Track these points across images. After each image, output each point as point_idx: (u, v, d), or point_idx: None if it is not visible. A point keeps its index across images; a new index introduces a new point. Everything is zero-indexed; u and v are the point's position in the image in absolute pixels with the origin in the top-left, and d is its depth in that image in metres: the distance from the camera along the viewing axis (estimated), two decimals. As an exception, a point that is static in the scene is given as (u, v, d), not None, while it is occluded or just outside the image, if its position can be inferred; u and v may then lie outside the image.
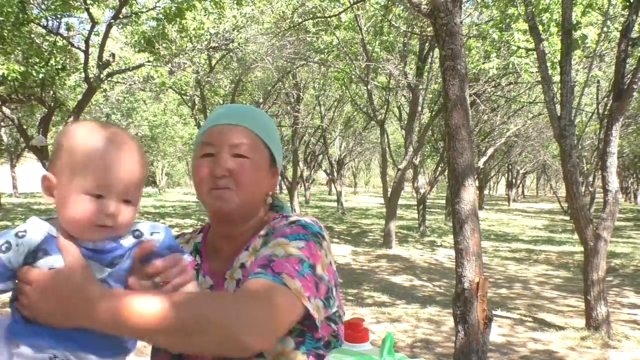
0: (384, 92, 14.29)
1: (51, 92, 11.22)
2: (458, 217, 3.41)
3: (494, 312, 3.82)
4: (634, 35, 5.52)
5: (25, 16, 8.97)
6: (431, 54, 12.42)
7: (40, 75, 9.60)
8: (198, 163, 1.02)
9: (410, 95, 12.66)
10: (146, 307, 0.78)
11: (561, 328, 5.66)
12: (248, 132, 1.02)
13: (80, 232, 0.85)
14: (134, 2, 10.44)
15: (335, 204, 24.66)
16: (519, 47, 9.84)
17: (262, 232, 1.05)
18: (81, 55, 11.05)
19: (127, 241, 0.89)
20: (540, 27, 7.04)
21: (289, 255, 0.92)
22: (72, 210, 0.84)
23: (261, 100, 17.24)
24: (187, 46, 10.51)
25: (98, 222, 0.84)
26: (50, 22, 10.59)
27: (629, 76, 5.45)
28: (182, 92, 14.36)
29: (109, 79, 11.69)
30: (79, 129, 0.87)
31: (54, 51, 10.08)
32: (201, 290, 0.95)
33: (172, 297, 0.82)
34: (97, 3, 9.89)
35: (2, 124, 20.20)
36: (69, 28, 11.42)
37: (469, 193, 3.39)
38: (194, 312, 0.79)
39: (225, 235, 1.07)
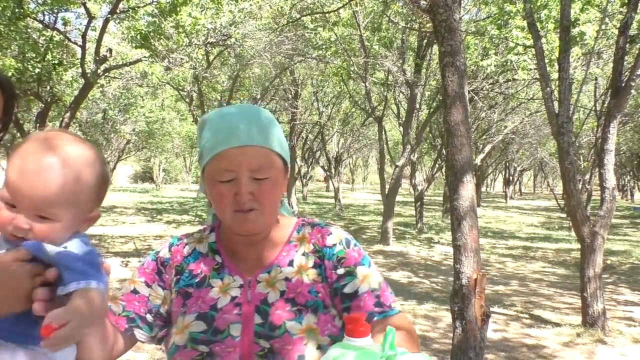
0: (382, 89, 14.27)
1: (48, 87, 11.16)
2: (456, 213, 3.41)
3: (490, 309, 3.83)
4: (632, 32, 5.52)
5: (22, 11, 8.89)
6: (429, 50, 12.40)
7: (37, 71, 9.54)
8: (218, 188, 1.03)
9: (409, 92, 12.65)
10: None
11: (557, 325, 5.69)
12: (262, 150, 1.03)
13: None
14: (131, -4, 10.38)
15: (332, 201, 24.67)
16: (517, 44, 9.83)
17: (304, 249, 1.10)
18: (78, 50, 10.99)
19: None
20: (538, 24, 7.04)
21: (380, 284, 1.09)
22: None
23: (259, 96, 17.20)
24: (183, 42, 10.45)
25: (9, 231, 0.84)
26: (46, 17, 10.51)
27: (626, 73, 5.46)
28: (180, 87, 14.31)
29: (106, 74, 11.63)
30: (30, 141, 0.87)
31: (51, 46, 10.01)
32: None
33: None
34: (94, -3, 9.87)
35: (-2, 119, 20.11)
36: (65, 23, 11.32)
37: (468, 190, 3.39)
38: None
39: (248, 241, 1.09)
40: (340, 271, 1.07)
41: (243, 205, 1.01)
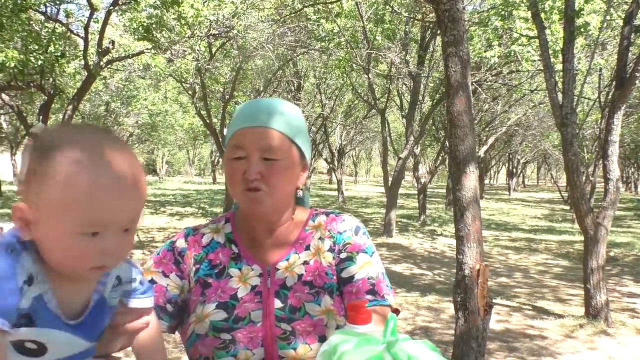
0: (385, 81, 14.22)
1: (51, 79, 11.17)
2: (459, 204, 3.41)
3: (493, 300, 3.84)
4: (637, 22, 5.48)
5: (24, 2, 8.89)
6: (433, 42, 12.33)
7: (39, 63, 9.55)
8: (230, 166, 1.06)
9: (412, 83, 12.60)
10: None
11: (560, 316, 5.69)
12: (276, 134, 1.05)
13: (73, 277, 0.73)
14: (133, -12, 10.33)
15: (335, 193, 24.68)
16: (521, 35, 9.76)
17: (320, 234, 1.13)
18: (80, 43, 10.99)
19: (108, 289, 0.80)
20: (542, 15, 6.98)
21: (378, 274, 1.10)
22: (63, 254, 0.69)
23: (261, 88, 17.15)
24: (186, 34, 10.42)
25: (94, 264, 0.71)
26: (49, 9, 10.50)
27: (631, 65, 5.42)
28: (182, 80, 14.28)
29: (109, 66, 11.62)
30: (64, 154, 0.67)
31: (53, 38, 10.01)
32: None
33: None
34: (96, -11, 9.82)
35: (1, 111, 20.15)
36: (68, 15, 11.30)
37: (471, 180, 3.38)
38: None
39: (263, 229, 1.11)
40: (343, 255, 1.10)
41: (251, 184, 1.02)
